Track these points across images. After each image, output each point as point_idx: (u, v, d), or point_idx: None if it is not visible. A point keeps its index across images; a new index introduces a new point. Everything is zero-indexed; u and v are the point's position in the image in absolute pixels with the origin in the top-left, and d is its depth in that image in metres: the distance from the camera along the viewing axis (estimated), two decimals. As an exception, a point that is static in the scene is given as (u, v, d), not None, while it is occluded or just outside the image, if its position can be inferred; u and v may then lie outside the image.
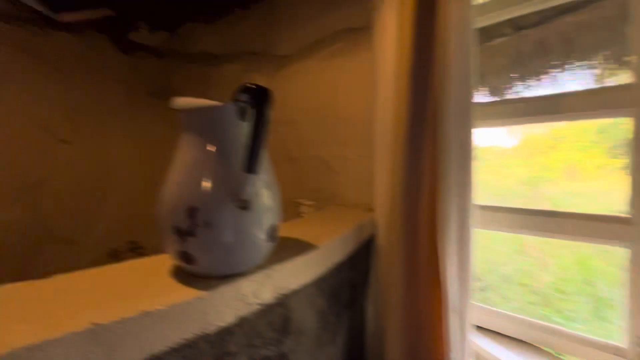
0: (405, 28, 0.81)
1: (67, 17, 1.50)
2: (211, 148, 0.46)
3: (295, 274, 0.60)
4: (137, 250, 1.78)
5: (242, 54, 1.59)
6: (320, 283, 0.69)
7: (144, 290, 0.44)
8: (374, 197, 1.01)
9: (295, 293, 0.61)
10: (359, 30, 1.19)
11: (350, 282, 0.88)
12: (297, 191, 1.40)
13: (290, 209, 1.43)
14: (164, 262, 0.54)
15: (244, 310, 0.51)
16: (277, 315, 0.58)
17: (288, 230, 0.78)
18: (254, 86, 0.43)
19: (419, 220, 0.82)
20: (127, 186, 1.76)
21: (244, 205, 0.46)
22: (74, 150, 1.52)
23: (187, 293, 0.44)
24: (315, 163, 1.34)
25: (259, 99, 0.43)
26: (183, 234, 0.44)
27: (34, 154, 1.38)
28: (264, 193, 0.49)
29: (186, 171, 0.46)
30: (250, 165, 0.44)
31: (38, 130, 1.39)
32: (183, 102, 0.50)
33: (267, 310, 0.55)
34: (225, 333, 0.49)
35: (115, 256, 1.69)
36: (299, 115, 1.40)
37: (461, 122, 0.76)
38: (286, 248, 0.63)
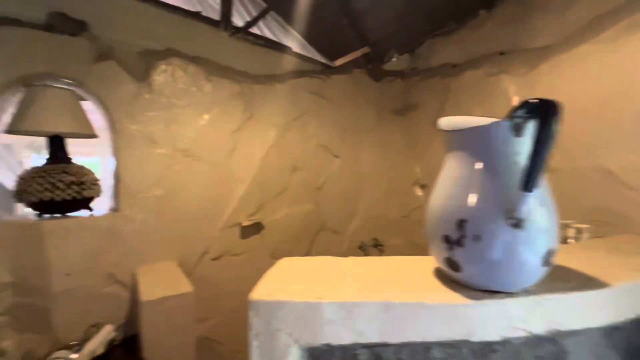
0: None
1: (339, 61, 2.02)
2: (481, 165, 0.47)
3: (574, 311, 0.50)
4: (378, 246, 2.09)
5: (486, 57, 1.50)
6: (612, 333, 0.53)
7: (417, 284, 0.53)
8: None
9: (573, 334, 0.51)
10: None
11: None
12: (562, 211, 1.14)
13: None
14: (427, 263, 0.61)
15: (508, 332, 0.48)
16: (548, 352, 0.51)
17: (563, 256, 0.66)
18: (536, 100, 0.41)
19: None
20: (374, 190, 2.10)
21: (517, 223, 0.44)
22: (341, 162, 2.01)
23: (453, 297, 0.48)
24: (591, 175, 1.05)
25: (545, 114, 0.40)
26: (451, 242, 0.48)
27: (319, 165, 1.94)
28: (541, 213, 0.45)
29: (456, 186, 0.50)
30: (528, 183, 0.42)
31: (322, 149, 1.94)
32: (449, 122, 0.55)
33: (535, 342, 0.50)
34: (489, 349, 0.49)
35: (363, 249, 2.07)
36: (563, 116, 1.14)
37: None
38: (563, 277, 0.54)
